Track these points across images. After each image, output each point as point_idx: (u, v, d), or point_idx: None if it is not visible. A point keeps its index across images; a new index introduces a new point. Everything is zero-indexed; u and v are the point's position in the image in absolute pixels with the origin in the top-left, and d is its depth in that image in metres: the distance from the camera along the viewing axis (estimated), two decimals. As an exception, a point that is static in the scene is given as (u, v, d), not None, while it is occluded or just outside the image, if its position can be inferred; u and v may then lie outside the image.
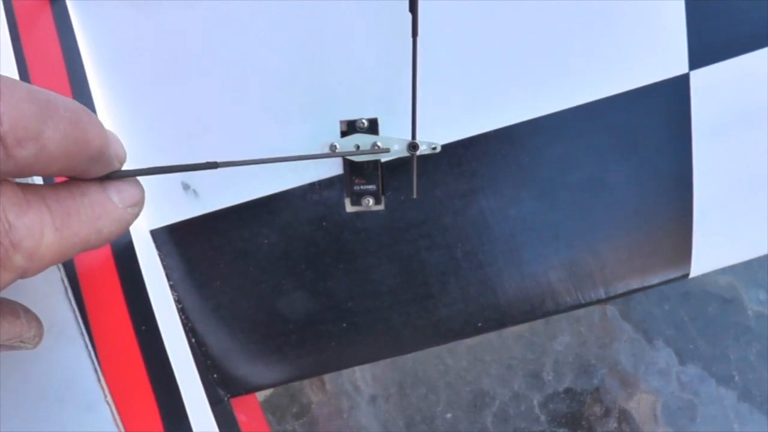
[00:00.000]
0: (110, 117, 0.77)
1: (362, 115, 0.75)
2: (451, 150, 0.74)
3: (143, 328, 0.74)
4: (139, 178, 0.56)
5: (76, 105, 0.46)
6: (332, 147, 0.73)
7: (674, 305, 1.64)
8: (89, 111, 0.49)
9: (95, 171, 0.50)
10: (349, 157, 0.73)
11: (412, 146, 0.71)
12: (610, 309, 1.61)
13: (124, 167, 0.55)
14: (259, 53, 0.74)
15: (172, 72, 0.76)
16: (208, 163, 0.61)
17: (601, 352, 1.58)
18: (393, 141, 0.72)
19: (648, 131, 0.73)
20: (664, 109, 0.73)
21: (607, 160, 0.74)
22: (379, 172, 0.75)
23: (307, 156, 0.64)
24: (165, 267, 0.80)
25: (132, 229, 0.79)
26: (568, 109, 0.73)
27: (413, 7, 0.69)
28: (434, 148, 0.72)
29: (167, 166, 0.61)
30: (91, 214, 0.49)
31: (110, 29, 0.76)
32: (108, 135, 0.51)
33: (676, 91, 0.73)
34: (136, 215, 0.59)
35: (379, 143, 0.72)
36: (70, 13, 0.76)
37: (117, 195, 0.55)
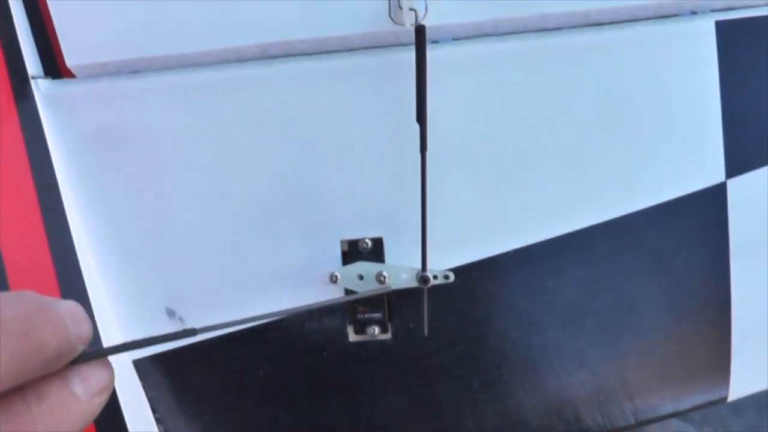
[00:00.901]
0: (84, 232, 0.68)
1: (365, 234, 0.66)
2: (465, 273, 0.66)
3: None
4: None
5: (24, 308, 0.38)
6: (333, 277, 0.64)
7: (752, 418, 1.39)
8: (43, 303, 0.40)
9: (55, 368, 0.42)
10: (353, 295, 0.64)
11: (423, 279, 0.62)
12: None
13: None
14: (251, 164, 0.66)
15: (153, 183, 0.67)
16: (185, 330, 0.52)
17: None
18: (401, 270, 0.64)
19: (681, 249, 0.65)
20: (698, 223, 0.65)
21: (637, 281, 0.66)
22: (385, 299, 0.67)
23: (304, 307, 0.55)
24: (150, 399, 0.71)
25: (113, 358, 0.70)
26: (593, 226, 0.65)
27: (421, 118, 0.61)
28: (447, 278, 0.64)
29: (139, 340, 0.52)
30: (50, 422, 0.41)
31: (87, 136, 0.67)
32: (67, 323, 0.42)
33: (712, 202, 0.65)
34: (105, 401, 0.49)
35: (385, 273, 0.64)
36: (41, 118, 0.67)
37: (81, 385, 0.46)
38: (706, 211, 0.65)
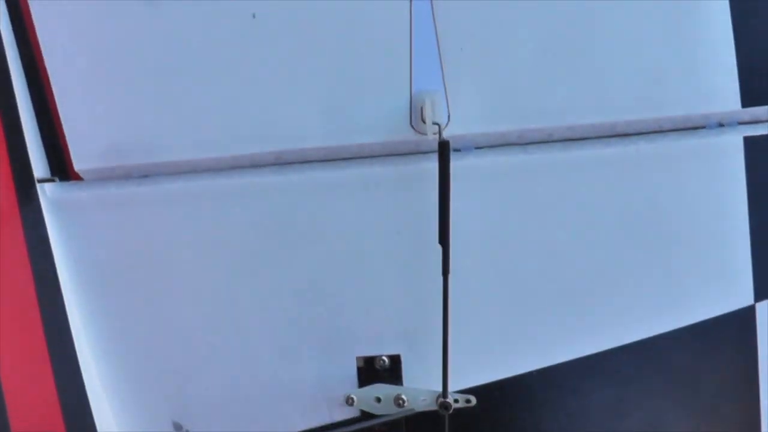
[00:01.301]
0: (88, 344, 0.64)
1: (382, 350, 0.63)
2: (486, 392, 0.62)
3: None
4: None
5: None
6: (349, 399, 0.61)
7: None
8: None
9: None
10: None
11: (444, 406, 0.59)
12: None
13: None
14: (263, 275, 0.63)
15: (162, 294, 0.64)
16: None
17: None
18: (420, 393, 0.60)
19: (709, 371, 0.62)
20: (727, 345, 0.63)
21: (665, 405, 0.62)
22: (403, 424, 0.63)
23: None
24: None
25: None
26: (619, 347, 0.62)
27: (444, 240, 0.58)
28: (469, 402, 0.60)
29: None
30: None
31: (93, 242, 0.64)
32: None
33: (740, 325, 0.62)
34: None
35: (404, 396, 0.60)
36: (46, 224, 0.64)
37: None
38: (734, 334, 0.62)
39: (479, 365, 0.63)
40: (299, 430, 0.64)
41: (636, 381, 0.62)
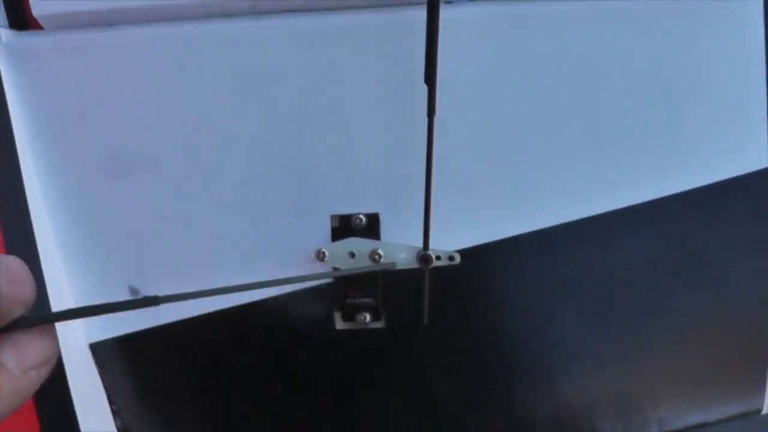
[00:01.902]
0: (43, 198, 0.58)
1: (359, 209, 0.57)
2: (472, 256, 0.56)
3: None
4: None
5: None
6: (320, 253, 0.55)
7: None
8: None
9: None
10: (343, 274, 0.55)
11: (424, 259, 0.53)
12: None
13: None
14: (234, 128, 0.56)
15: (124, 147, 0.57)
16: (147, 298, 0.43)
17: None
18: (399, 249, 0.54)
19: (718, 240, 0.56)
20: (738, 211, 0.56)
21: (666, 275, 0.56)
22: (379, 282, 0.57)
23: (281, 281, 0.46)
24: (107, 389, 0.61)
25: (64, 339, 0.60)
26: (620, 210, 0.56)
27: (430, 78, 0.52)
28: (452, 259, 0.54)
29: (89, 307, 0.42)
30: None
31: (52, 94, 0.57)
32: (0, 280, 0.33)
33: (754, 189, 0.56)
34: (43, 378, 0.40)
35: (380, 251, 0.54)
36: (1, 74, 0.57)
37: (14, 356, 0.36)
38: (747, 199, 0.56)
39: (465, 227, 0.57)
40: (265, 296, 0.58)
41: (636, 248, 0.56)
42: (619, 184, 0.56)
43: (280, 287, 0.58)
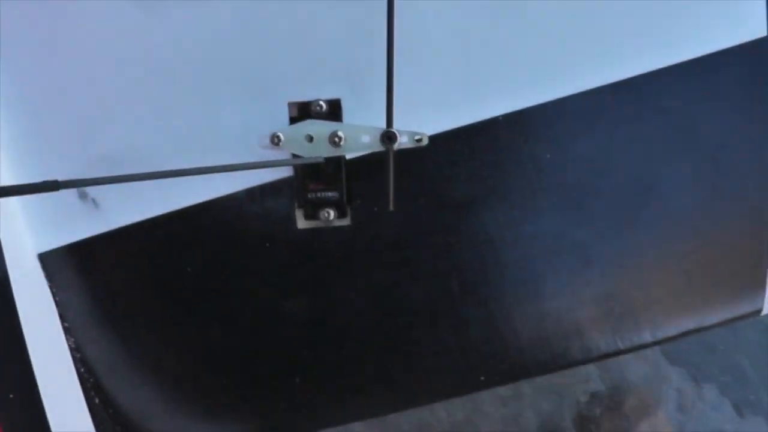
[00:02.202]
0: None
1: (319, 95, 0.52)
2: (443, 143, 0.51)
3: (10, 396, 0.50)
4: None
5: None
6: (274, 138, 0.50)
7: (729, 345, 1.28)
8: None
9: None
10: (297, 157, 0.50)
11: (388, 137, 0.48)
12: (651, 350, 1.24)
13: None
14: (179, 7, 0.51)
15: (60, 28, 0.52)
16: (45, 183, 0.39)
17: (639, 404, 1.24)
18: (361, 130, 0.49)
19: (712, 117, 0.51)
20: (735, 85, 0.51)
21: (657, 157, 0.51)
22: (343, 174, 0.52)
23: (217, 168, 0.41)
24: (58, 304, 0.57)
25: (9, 250, 0.56)
26: (603, 87, 0.50)
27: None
28: (419, 140, 0.49)
29: None
30: None
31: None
32: None
33: (752, 61, 0.51)
34: None
35: (341, 133, 0.49)
36: None
37: None
38: (744, 71, 0.51)
39: (435, 111, 0.52)
40: (220, 194, 0.53)
41: (622, 126, 0.51)
42: (605, 58, 0.50)
43: (234, 185, 0.53)
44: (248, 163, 0.46)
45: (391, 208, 0.48)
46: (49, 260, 0.56)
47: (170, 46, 0.52)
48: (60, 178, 0.54)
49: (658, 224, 0.52)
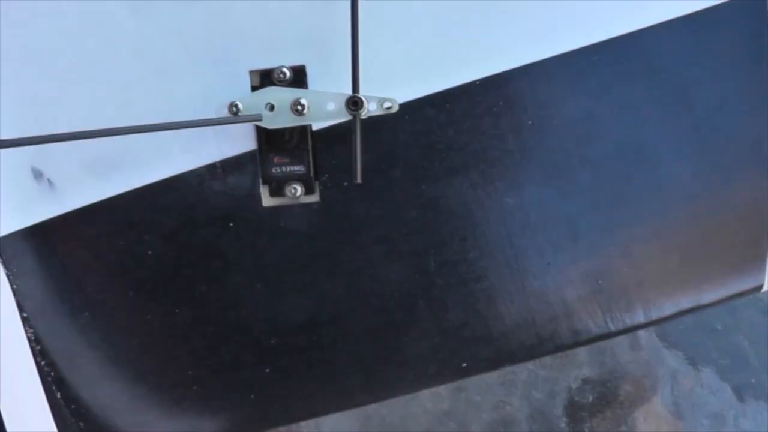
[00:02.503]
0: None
1: (283, 62, 0.48)
2: (416, 110, 0.47)
3: None
4: None
5: None
6: (232, 107, 0.46)
7: (728, 325, 1.22)
8: None
9: None
10: (256, 124, 0.46)
11: (353, 103, 0.44)
12: (644, 331, 1.19)
13: None
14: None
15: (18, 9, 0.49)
16: None
17: (632, 389, 1.18)
18: (326, 97, 0.45)
19: (707, 78, 0.47)
20: (729, 41, 0.47)
21: (647, 120, 0.47)
22: (310, 146, 0.48)
23: (155, 126, 0.37)
24: (15, 292, 0.54)
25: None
26: (589, 47, 0.46)
27: None
28: (388, 108, 0.45)
29: None
30: None
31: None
32: None
33: (749, 15, 0.46)
34: None
35: (303, 101, 0.45)
36: None
37: None
38: (738, 28, 0.47)
39: (405, 78, 0.48)
40: (180, 170, 0.49)
41: (610, 88, 0.47)
42: (588, 16, 0.46)
43: (195, 160, 0.49)
44: (181, 122, 0.42)
45: (358, 180, 0.44)
46: (3, 246, 0.53)
47: (123, 11, 0.48)
48: (25, 164, 0.51)
49: (650, 194, 0.48)
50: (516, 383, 1.17)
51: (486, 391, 1.14)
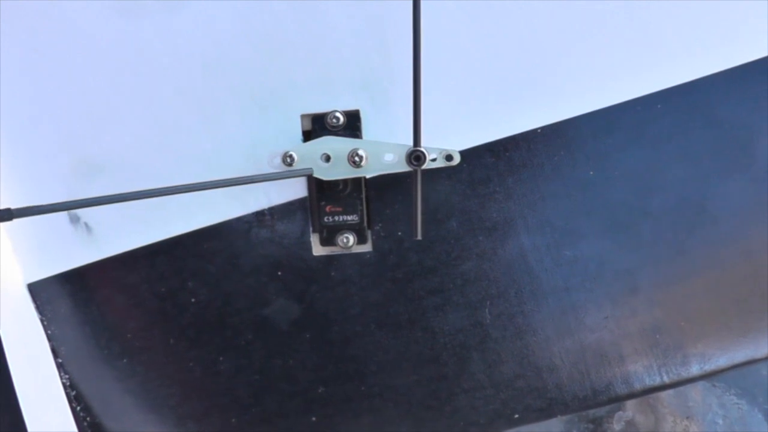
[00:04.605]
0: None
1: (335, 106, 0.45)
2: (475, 159, 0.44)
3: None
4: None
5: None
6: (286, 158, 0.43)
7: None
8: None
9: None
10: (314, 176, 0.43)
11: (415, 156, 0.41)
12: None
13: None
14: (180, 16, 0.45)
15: (58, 39, 0.46)
16: None
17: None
18: (384, 148, 0.42)
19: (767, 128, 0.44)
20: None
21: (708, 171, 0.44)
22: (363, 195, 0.45)
23: (204, 185, 0.34)
24: (50, 338, 0.50)
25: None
26: (651, 95, 0.44)
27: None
28: (450, 159, 0.42)
29: None
30: None
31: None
32: None
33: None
34: None
35: (361, 152, 0.42)
36: None
37: None
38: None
39: (465, 125, 0.45)
40: (225, 218, 0.46)
41: (671, 139, 0.44)
42: (650, 64, 0.44)
43: (243, 207, 0.46)
44: (231, 179, 0.39)
45: (418, 236, 0.41)
46: (39, 291, 0.49)
47: (169, 53, 0.45)
48: (55, 195, 0.47)
49: (711, 248, 0.45)
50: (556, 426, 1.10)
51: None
